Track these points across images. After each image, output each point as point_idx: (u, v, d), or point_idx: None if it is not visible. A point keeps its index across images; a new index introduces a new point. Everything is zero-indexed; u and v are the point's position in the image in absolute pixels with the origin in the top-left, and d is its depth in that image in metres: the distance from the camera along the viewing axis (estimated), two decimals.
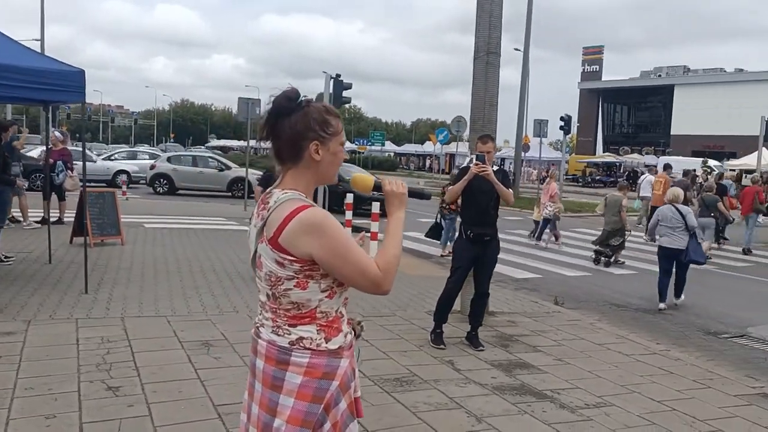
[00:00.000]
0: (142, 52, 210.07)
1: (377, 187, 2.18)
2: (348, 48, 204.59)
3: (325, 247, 1.89)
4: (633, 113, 63.05)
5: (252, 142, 19.72)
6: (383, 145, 55.95)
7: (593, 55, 63.28)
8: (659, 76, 60.82)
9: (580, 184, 44.53)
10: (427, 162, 62.35)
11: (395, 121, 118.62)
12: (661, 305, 8.70)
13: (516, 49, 40.59)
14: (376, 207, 11.35)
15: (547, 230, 14.17)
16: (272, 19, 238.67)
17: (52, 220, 11.09)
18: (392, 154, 66.73)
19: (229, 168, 23.22)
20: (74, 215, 10.49)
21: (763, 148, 29.18)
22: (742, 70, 55.46)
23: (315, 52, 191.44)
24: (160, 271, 8.58)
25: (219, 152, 43.82)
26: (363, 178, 2.22)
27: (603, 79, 63.27)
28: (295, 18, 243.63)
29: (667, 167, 18.30)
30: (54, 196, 12.04)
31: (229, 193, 22.39)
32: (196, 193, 22.59)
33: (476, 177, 5.59)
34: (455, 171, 10.12)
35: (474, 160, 5.72)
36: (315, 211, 1.93)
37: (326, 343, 1.98)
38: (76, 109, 66.90)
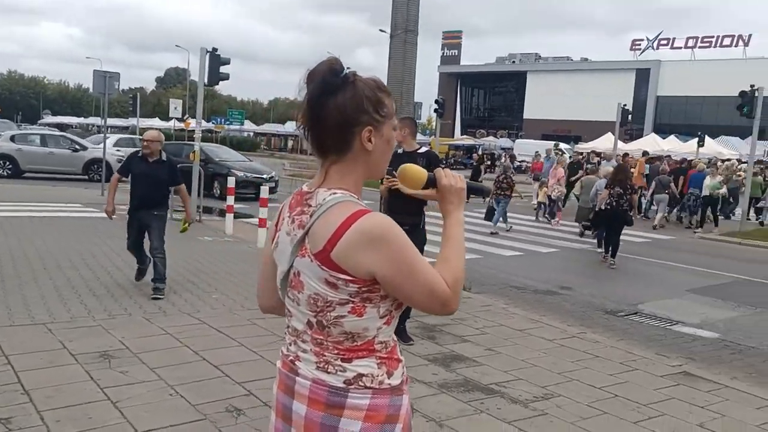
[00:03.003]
0: None
1: (431, 181, 1.75)
2: (197, 21, 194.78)
3: (390, 262, 1.50)
4: (489, 97, 65.92)
5: (101, 120, 17.98)
6: (242, 124, 53.96)
7: (452, 40, 65.18)
8: (513, 62, 63.89)
9: (443, 166, 45.79)
10: (290, 142, 61.23)
11: (252, 100, 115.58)
12: (599, 249, 11.84)
13: (381, 30, 40.73)
14: (264, 191, 10.66)
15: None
16: None
17: None
18: (251, 133, 64.73)
19: (84, 148, 21.12)
20: None
21: (609, 133, 31.56)
22: (586, 59, 59.65)
23: (160, 24, 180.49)
24: (22, 269, 7.43)
25: (55, 130, 39.92)
26: (414, 170, 1.76)
27: (461, 63, 65.49)
28: None
29: (645, 154, 21.19)
30: None
31: (86, 176, 20.41)
32: (45, 176, 20.34)
33: (403, 159, 5.21)
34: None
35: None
36: (376, 218, 1.52)
37: (389, 378, 1.61)
38: None
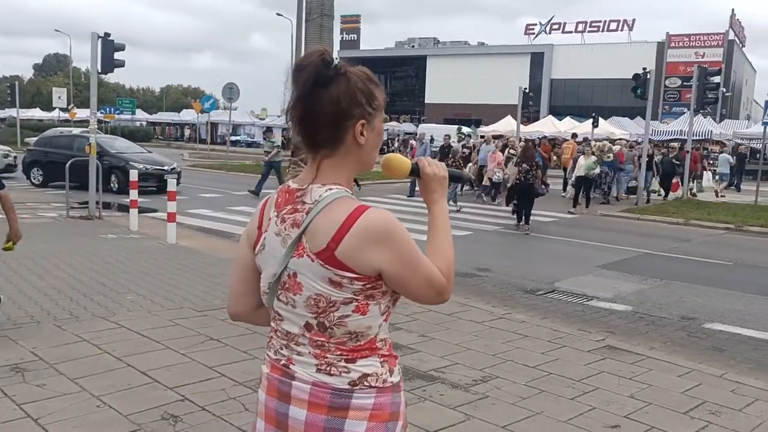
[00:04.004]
0: None
1: (414, 170, 1.74)
2: (74, 4, 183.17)
3: (397, 257, 1.50)
4: (390, 82, 66.12)
5: None
6: (134, 113, 51.51)
7: (351, 24, 64.85)
8: (412, 46, 64.44)
9: None
10: (187, 131, 59.15)
11: (142, 87, 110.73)
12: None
13: (279, 14, 40.01)
14: (171, 184, 10.18)
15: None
16: None
17: None
18: (144, 123, 62.03)
19: None
20: None
21: (509, 116, 32.57)
22: (483, 43, 61.08)
23: (32, 7, 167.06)
24: None
25: None
26: (398, 160, 1.74)
27: (361, 48, 65.38)
28: None
29: (574, 136, 22.30)
30: None
31: None
32: None
33: None
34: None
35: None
36: (380, 214, 1.50)
37: (391, 376, 1.60)
38: None
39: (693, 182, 20.93)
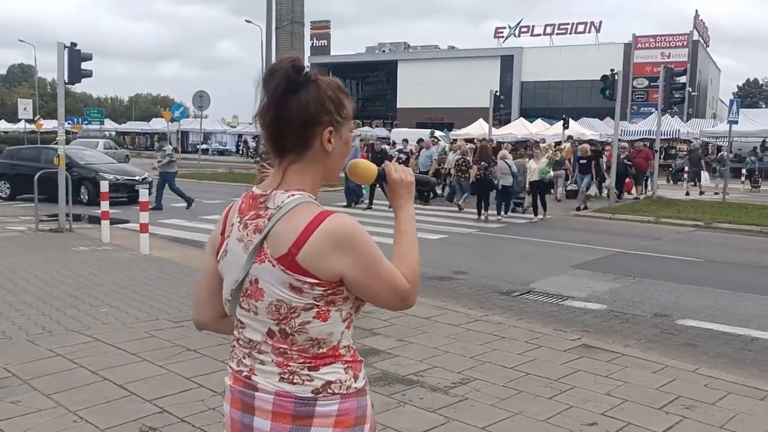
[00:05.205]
0: None
1: (381, 176, 1.75)
2: (41, 13, 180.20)
3: (359, 263, 1.51)
4: (361, 87, 66.12)
5: None
6: (102, 123, 50.76)
7: (321, 30, 64.74)
8: (383, 51, 64.53)
9: None
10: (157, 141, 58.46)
11: (110, 97, 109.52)
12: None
13: (248, 21, 39.87)
14: (144, 194, 10.07)
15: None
16: None
17: None
18: (113, 133, 61.22)
19: None
20: None
21: (481, 119, 32.83)
22: (453, 47, 61.40)
23: None
24: None
25: None
26: (364, 165, 1.76)
27: (332, 54, 65.27)
28: None
29: (570, 138, 23.20)
30: None
31: None
32: None
33: None
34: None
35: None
36: (342, 219, 1.52)
37: (355, 382, 1.60)
38: None
39: (649, 182, 21.04)
